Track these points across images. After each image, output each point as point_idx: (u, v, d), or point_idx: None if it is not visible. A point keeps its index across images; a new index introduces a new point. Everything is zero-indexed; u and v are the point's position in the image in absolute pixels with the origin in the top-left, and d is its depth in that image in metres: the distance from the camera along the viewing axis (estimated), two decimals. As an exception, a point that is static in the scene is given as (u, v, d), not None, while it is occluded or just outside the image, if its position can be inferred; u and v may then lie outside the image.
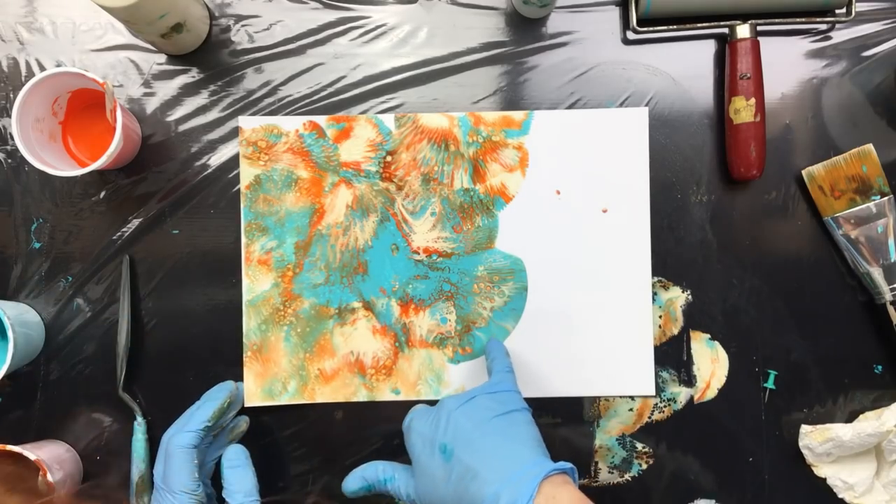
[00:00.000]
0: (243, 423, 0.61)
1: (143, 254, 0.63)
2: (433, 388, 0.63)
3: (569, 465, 0.48)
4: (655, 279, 0.63)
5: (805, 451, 0.63)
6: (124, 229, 0.63)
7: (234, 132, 0.63)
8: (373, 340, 0.63)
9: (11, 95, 0.63)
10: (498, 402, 0.52)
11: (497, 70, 0.64)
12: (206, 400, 0.58)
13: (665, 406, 0.63)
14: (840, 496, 0.63)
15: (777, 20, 0.63)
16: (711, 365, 0.64)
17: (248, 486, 0.56)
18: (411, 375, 0.63)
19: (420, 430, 0.53)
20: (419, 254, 0.63)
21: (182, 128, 0.63)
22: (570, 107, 0.64)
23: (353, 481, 0.55)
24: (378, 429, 0.63)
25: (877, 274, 0.62)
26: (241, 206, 0.62)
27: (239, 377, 0.62)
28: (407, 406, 0.59)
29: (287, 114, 0.63)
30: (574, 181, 0.63)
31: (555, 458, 0.47)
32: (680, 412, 0.64)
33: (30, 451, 0.57)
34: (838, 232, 0.63)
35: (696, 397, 0.64)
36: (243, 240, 0.62)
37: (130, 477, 0.62)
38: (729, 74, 0.62)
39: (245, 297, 0.62)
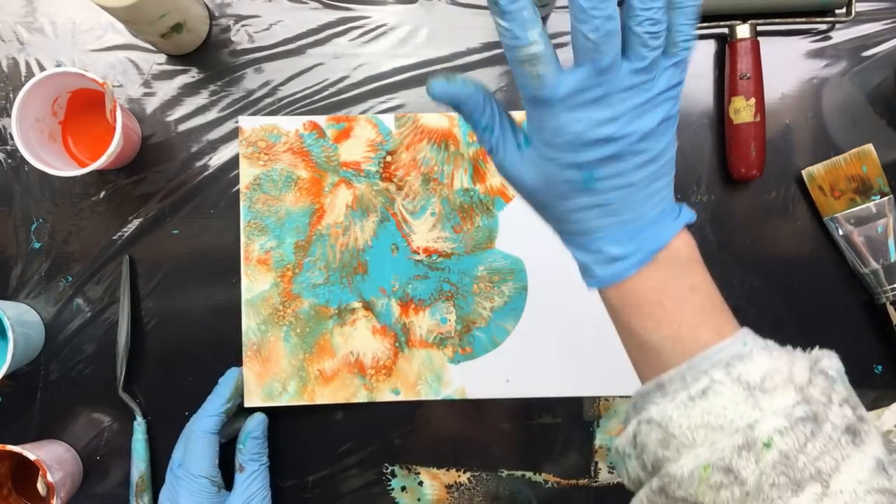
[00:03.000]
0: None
1: (143, 254, 0.63)
2: (433, 389, 0.63)
3: (691, 214, 0.41)
4: (655, 279, 0.63)
5: (805, 452, 0.63)
6: (124, 229, 0.63)
7: (234, 132, 0.63)
8: (373, 341, 0.63)
9: (11, 95, 0.63)
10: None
11: (497, 70, 0.63)
12: (218, 387, 0.60)
13: (665, 406, 0.63)
14: (840, 496, 0.63)
15: (777, 20, 0.63)
16: (711, 365, 0.63)
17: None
18: (411, 376, 0.63)
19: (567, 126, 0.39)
20: (419, 254, 0.63)
21: (182, 128, 0.63)
22: (570, 107, 0.63)
23: (445, 91, 0.40)
24: (378, 429, 0.63)
25: (877, 274, 0.62)
26: (241, 205, 0.62)
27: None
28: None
29: (287, 114, 0.63)
30: (574, 181, 0.63)
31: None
32: (680, 412, 0.63)
33: (30, 451, 0.57)
34: (838, 232, 0.62)
35: (696, 397, 0.63)
36: (243, 239, 0.62)
37: (130, 477, 0.62)
38: (729, 74, 0.62)
39: (244, 297, 0.62)
